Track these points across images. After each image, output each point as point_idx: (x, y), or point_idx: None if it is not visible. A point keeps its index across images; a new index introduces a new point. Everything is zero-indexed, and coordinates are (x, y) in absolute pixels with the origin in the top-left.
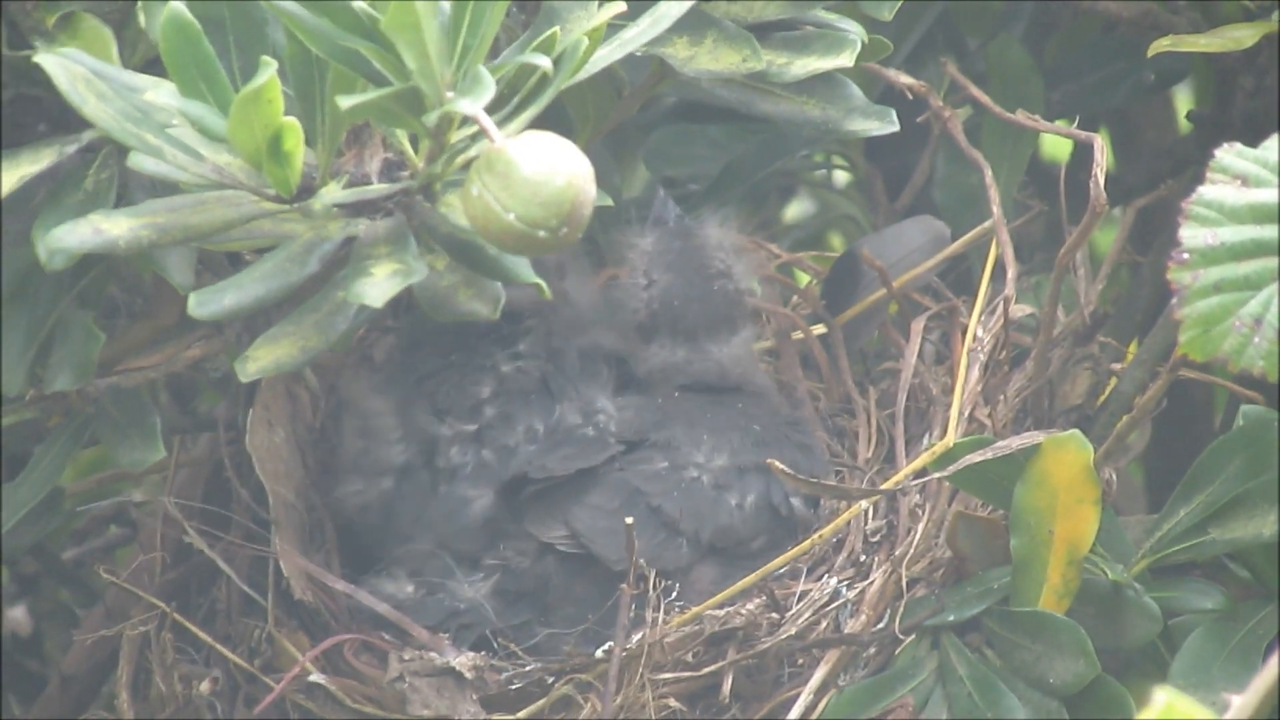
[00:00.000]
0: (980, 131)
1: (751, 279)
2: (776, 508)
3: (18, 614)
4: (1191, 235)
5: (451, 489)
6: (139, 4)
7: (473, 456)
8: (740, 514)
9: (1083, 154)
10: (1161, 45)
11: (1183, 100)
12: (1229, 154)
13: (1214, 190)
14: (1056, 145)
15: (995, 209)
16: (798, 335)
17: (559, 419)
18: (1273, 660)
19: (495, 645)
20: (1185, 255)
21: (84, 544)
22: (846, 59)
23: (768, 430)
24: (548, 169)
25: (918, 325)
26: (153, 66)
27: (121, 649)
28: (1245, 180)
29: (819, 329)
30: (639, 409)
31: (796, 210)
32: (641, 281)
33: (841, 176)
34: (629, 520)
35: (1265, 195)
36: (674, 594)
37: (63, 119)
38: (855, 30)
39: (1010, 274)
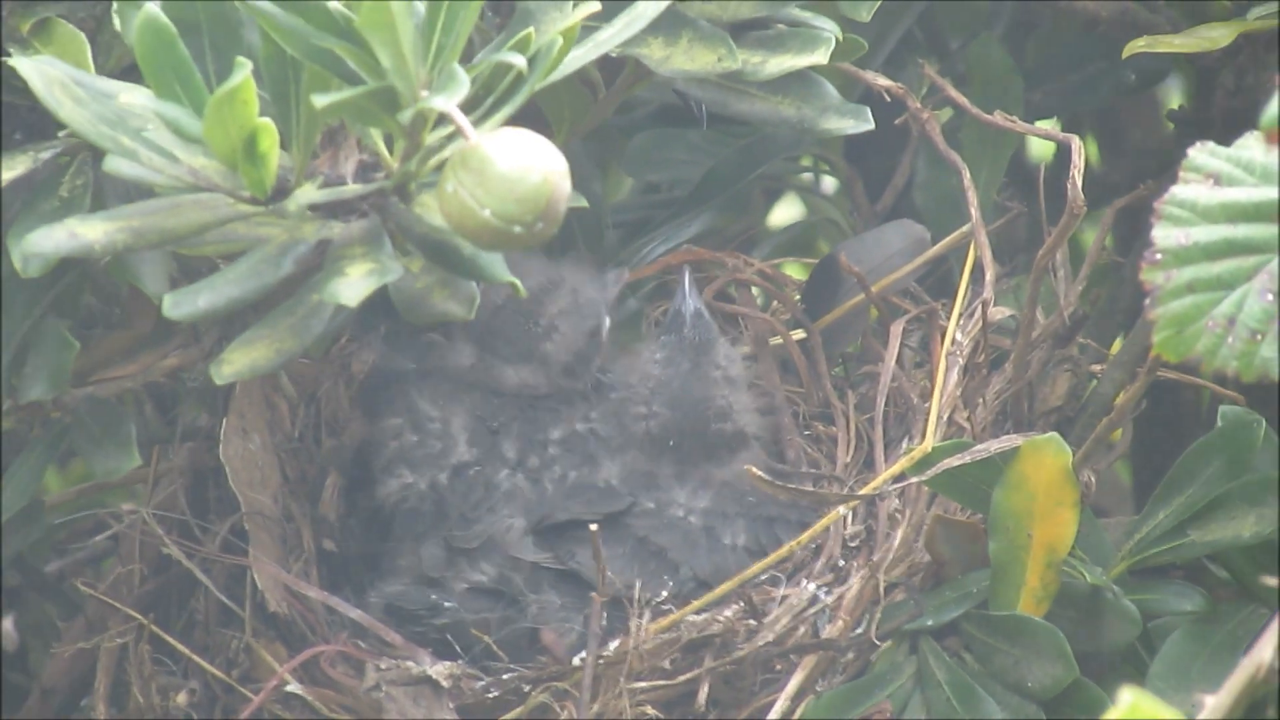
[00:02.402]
0: (960, 133)
1: (752, 414)
2: (765, 549)
3: (5, 626)
4: (1164, 235)
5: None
6: (114, 8)
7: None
8: (734, 555)
9: (1065, 155)
10: (1136, 46)
11: (1171, 99)
12: (1202, 153)
13: (1187, 190)
14: (1043, 146)
15: (974, 211)
16: (776, 341)
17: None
18: (1245, 661)
19: (467, 652)
20: (1158, 255)
21: (66, 556)
22: (821, 56)
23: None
24: (523, 165)
25: (896, 328)
26: (128, 74)
27: (100, 661)
28: (1218, 179)
29: (798, 334)
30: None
31: (783, 214)
32: (642, 410)
33: (829, 181)
34: (594, 527)
35: (1238, 194)
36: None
37: (38, 126)
38: (830, 28)
39: (989, 276)
